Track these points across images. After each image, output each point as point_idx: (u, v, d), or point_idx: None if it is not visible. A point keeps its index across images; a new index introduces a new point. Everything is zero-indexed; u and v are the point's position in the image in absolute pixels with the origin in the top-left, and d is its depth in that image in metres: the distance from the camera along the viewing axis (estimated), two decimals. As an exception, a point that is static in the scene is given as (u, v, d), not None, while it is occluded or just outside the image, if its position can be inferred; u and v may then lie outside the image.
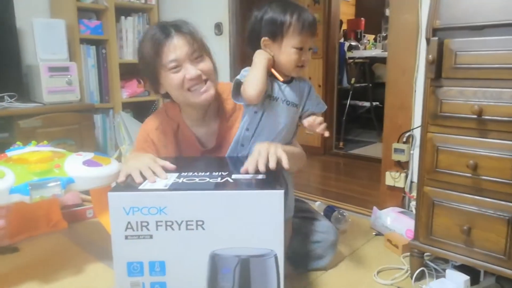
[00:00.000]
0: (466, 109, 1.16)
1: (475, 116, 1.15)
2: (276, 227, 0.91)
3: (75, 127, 2.31)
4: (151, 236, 0.91)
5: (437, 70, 1.20)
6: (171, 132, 1.33)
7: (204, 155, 1.34)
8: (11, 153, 1.40)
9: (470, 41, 1.15)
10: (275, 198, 0.90)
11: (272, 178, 0.99)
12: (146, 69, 1.26)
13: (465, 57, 1.16)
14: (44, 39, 2.30)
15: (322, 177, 2.81)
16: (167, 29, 1.22)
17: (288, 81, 1.19)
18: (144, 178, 0.98)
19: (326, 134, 1.15)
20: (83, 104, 2.45)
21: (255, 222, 0.91)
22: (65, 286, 1.34)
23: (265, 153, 1.03)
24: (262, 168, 0.99)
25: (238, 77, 1.16)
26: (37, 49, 2.29)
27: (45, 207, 1.74)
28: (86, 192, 1.90)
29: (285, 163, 1.02)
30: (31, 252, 1.58)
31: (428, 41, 1.21)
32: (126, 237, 0.90)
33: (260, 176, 1.01)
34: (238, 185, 0.95)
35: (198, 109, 1.30)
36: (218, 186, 0.93)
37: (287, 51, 1.13)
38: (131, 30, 2.72)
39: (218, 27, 2.55)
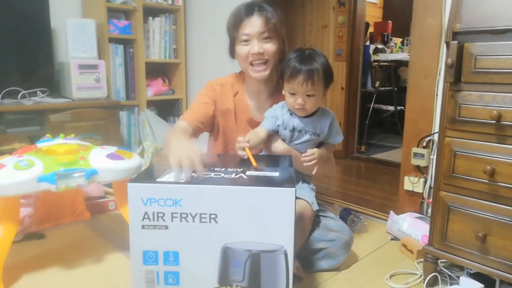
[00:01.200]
0: (485, 114, 1.15)
1: (493, 121, 1.13)
2: (287, 224, 0.93)
3: (102, 122, 2.40)
4: (166, 227, 0.95)
5: (457, 74, 1.19)
6: (231, 94, 1.49)
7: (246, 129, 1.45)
8: (41, 145, 1.48)
9: (491, 45, 1.14)
10: (286, 196, 0.92)
11: (285, 176, 1.02)
12: (228, 35, 1.45)
13: (485, 61, 1.15)
14: (76, 38, 2.40)
15: (342, 181, 2.80)
16: (251, 7, 1.39)
17: (311, 114, 1.33)
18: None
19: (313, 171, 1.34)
20: (110, 101, 2.54)
21: (267, 218, 0.93)
22: (86, 272, 1.41)
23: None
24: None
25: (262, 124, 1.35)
26: (69, 47, 2.39)
27: (70, 198, 1.82)
28: (109, 185, 1.99)
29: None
30: (56, 239, 1.66)
31: (447, 44, 1.20)
32: (143, 227, 0.95)
33: (274, 174, 1.03)
34: (251, 181, 0.98)
35: (257, 84, 1.46)
36: (232, 182, 0.96)
37: (285, 93, 1.31)
38: (158, 30, 2.80)
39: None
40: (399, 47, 4.21)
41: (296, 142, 1.35)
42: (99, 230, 1.77)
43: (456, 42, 1.18)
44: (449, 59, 1.18)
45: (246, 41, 1.38)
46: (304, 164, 1.31)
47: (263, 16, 1.37)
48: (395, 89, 3.75)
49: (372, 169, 3.04)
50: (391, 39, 4.19)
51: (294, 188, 0.92)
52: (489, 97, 1.15)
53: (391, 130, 3.94)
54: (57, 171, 1.29)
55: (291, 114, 1.34)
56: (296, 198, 1.32)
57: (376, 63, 3.74)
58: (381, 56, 3.74)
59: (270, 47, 1.38)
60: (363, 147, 3.35)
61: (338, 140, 1.39)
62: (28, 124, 2.22)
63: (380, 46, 3.89)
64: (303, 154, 1.32)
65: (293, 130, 1.33)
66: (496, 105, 1.14)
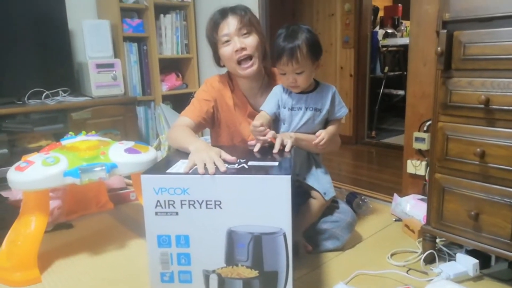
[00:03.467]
0: (474, 99, 1.20)
1: (482, 106, 1.19)
2: (285, 209, 1.02)
3: (120, 118, 2.54)
4: (177, 213, 1.05)
5: (447, 62, 1.25)
6: (229, 89, 1.55)
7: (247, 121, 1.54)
8: (65, 142, 1.61)
9: (479, 33, 1.19)
10: (282, 183, 1.01)
11: (283, 165, 1.11)
12: (210, 44, 1.52)
13: (474, 49, 1.20)
14: (92, 38, 2.53)
15: (352, 166, 2.87)
16: (225, 11, 1.46)
17: (311, 90, 1.37)
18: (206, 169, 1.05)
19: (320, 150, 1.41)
20: (127, 97, 2.67)
21: (266, 203, 1.02)
22: (111, 257, 1.54)
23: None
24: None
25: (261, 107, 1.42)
26: (86, 47, 2.53)
27: (94, 190, 1.97)
28: (129, 177, 2.12)
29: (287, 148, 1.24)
30: (83, 229, 1.81)
31: (438, 33, 1.26)
32: (156, 214, 1.06)
33: (273, 163, 1.13)
34: (251, 170, 1.07)
35: (249, 81, 1.52)
36: (233, 171, 1.06)
37: (278, 73, 1.37)
38: (170, 27, 2.89)
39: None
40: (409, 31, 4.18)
41: (300, 123, 1.38)
42: (121, 219, 1.91)
43: (446, 31, 1.23)
44: (438, 48, 1.24)
45: (227, 41, 1.43)
46: (314, 142, 1.36)
47: (237, 14, 1.43)
48: (405, 73, 3.74)
49: (382, 153, 3.09)
50: (401, 23, 4.16)
51: (290, 176, 1.01)
52: (478, 82, 1.20)
53: (401, 114, 3.93)
54: (80, 166, 1.41)
55: (290, 93, 1.38)
56: (311, 188, 1.43)
57: (385, 48, 3.74)
58: (390, 41, 3.73)
59: (250, 41, 1.43)
60: (373, 132, 3.39)
61: (343, 113, 1.43)
62: (52, 123, 2.37)
63: (390, 31, 3.88)
64: (313, 142, 1.36)
65: (292, 108, 1.37)
66: (485, 90, 1.19)
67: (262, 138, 1.27)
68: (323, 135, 1.37)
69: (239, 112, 1.55)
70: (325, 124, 1.44)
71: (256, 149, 1.26)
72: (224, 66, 1.53)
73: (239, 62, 1.44)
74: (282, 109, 1.39)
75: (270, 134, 1.26)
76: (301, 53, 1.27)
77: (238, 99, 1.55)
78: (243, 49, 1.42)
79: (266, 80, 1.56)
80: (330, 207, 1.52)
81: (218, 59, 1.53)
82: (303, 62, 1.29)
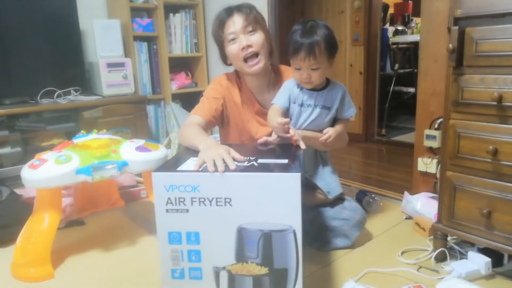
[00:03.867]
0: (487, 96, 1.19)
1: (495, 103, 1.17)
2: (294, 206, 1.03)
3: (131, 116, 2.56)
4: (187, 210, 1.06)
5: (459, 59, 1.23)
6: (237, 87, 1.56)
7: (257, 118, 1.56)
8: (77, 140, 1.62)
9: (491, 29, 1.17)
10: (292, 180, 1.01)
11: (293, 162, 1.11)
12: (216, 43, 1.53)
13: (486, 45, 1.18)
14: (103, 38, 2.56)
15: (362, 164, 2.85)
16: (230, 9, 1.47)
17: (322, 87, 1.38)
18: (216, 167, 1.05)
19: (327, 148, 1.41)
20: (137, 96, 2.69)
21: (276, 200, 1.03)
22: (123, 253, 1.56)
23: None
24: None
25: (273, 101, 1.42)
26: (97, 47, 2.55)
27: (106, 188, 1.99)
28: (140, 175, 2.14)
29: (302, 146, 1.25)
30: (95, 226, 1.83)
31: (449, 30, 1.24)
32: (167, 211, 1.07)
33: (283, 161, 1.13)
34: (261, 168, 1.07)
35: (256, 79, 1.53)
36: (243, 169, 1.07)
37: (292, 69, 1.36)
38: (179, 26, 2.91)
39: (259, 19, 2.66)
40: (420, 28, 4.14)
41: (308, 120, 1.39)
42: (132, 216, 1.94)
43: (457, 27, 1.22)
44: (450, 45, 1.23)
45: (233, 39, 1.44)
46: (321, 139, 1.36)
47: (243, 12, 1.44)
48: (415, 70, 3.70)
49: (392, 151, 3.06)
50: (411, 20, 4.12)
51: (299, 173, 1.01)
52: (491, 79, 1.19)
53: (412, 111, 3.89)
54: (92, 164, 1.43)
55: (301, 89, 1.38)
56: (316, 188, 1.43)
57: (395, 46, 3.70)
58: (400, 38, 3.70)
59: (256, 38, 1.43)
60: (383, 130, 3.37)
61: (351, 113, 1.43)
62: (64, 121, 2.41)
63: (400, 28, 3.85)
64: (320, 139, 1.37)
65: (302, 104, 1.38)
66: (497, 87, 1.18)
67: (285, 135, 1.27)
68: (330, 132, 1.37)
69: (247, 110, 1.56)
70: (333, 122, 1.44)
71: (274, 140, 1.29)
72: (230, 64, 1.54)
73: (246, 60, 1.45)
74: (292, 104, 1.40)
75: (292, 131, 1.26)
76: (319, 49, 1.27)
77: (246, 96, 1.56)
78: (249, 46, 1.43)
79: (273, 77, 1.57)
80: (340, 205, 1.52)
81: (224, 58, 1.54)
82: (320, 59, 1.28)
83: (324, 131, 1.38)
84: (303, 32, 1.28)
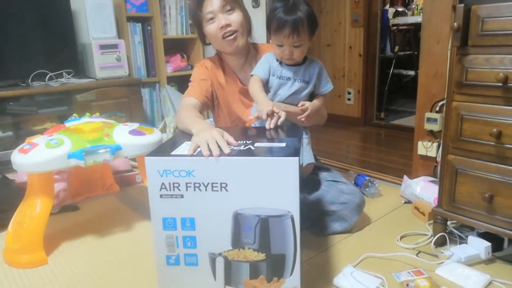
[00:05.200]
0: (492, 77, 1.15)
1: (500, 84, 1.14)
2: (292, 191, 0.99)
3: (125, 100, 2.51)
4: (182, 196, 1.03)
5: (463, 38, 1.19)
6: (220, 69, 1.56)
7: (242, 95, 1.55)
8: (69, 124, 1.59)
9: (498, 6, 1.13)
10: (290, 164, 0.98)
11: (291, 146, 1.07)
12: (194, 23, 1.53)
13: (493, 23, 1.14)
14: (95, 19, 2.48)
15: (360, 148, 2.83)
16: None
17: (299, 63, 1.37)
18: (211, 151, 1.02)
19: (304, 123, 1.36)
20: (131, 79, 2.63)
21: (273, 185, 0.99)
22: (117, 239, 1.54)
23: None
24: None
25: (253, 71, 1.39)
26: (89, 28, 2.48)
27: (100, 172, 1.96)
28: (135, 160, 2.11)
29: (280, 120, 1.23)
30: (89, 211, 1.80)
31: (454, 8, 1.19)
32: (161, 196, 1.03)
33: (280, 144, 1.09)
34: (258, 152, 1.04)
35: (236, 58, 1.53)
36: (240, 153, 1.03)
37: (273, 45, 1.33)
38: (174, 6, 2.83)
39: (255, 0, 2.59)
40: (420, 9, 4.06)
41: (287, 93, 1.37)
42: (127, 201, 1.91)
43: (463, 5, 1.17)
44: (455, 23, 1.18)
45: (211, 19, 1.44)
46: (299, 117, 1.34)
47: None
48: (416, 53, 3.65)
49: (391, 135, 3.04)
50: (412, 1, 4.04)
51: (298, 157, 0.97)
52: (496, 59, 1.15)
53: (412, 95, 3.85)
54: (85, 148, 1.39)
55: (280, 63, 1.37)
56: None
57: (395, 27, 3.63)
58: (400, 20, 3.63)
59: (235, 17, 1.44)
60: (382, 114, 3.33)
61: (328, 89, 1.42)
62: (56, 105, 2.35)
63: (400, 9, 3.77)
64: (298, 109, 1.33)
65: (281, 77, 1.37)
66: (503, 68, 1.14)
67: (265, 117, 1.23)
68: (307, 105, 1.34)
69: (231, 90, 1.56)
70: (311, 98, 1.42)
71: (271, 126, 1.24)
72: (209, 43, 1.54)
73: (224, 38, 1.45)
74: (271, 76, 1.38)
75: (283, 116, 1.22)
76: (303, 27, 1.26)
77: (229, 77, 1.56)
78: (228, 25, 1.43)
79: (253, 55, 1.57)
80: (339, 189, 1.49)
81: (203, 37, 1.53)
82: (302, 36, 1.28)
83: (301, 103, 1.35)
84: (286, 9, 1.26)
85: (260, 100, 1.29)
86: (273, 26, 1.28)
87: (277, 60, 1.37)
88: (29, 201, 1.40)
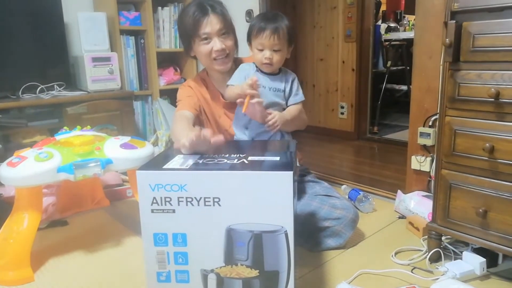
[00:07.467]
0: (484, 93, 1.16)
1: (492, 99, 1.14)
2: (286, 205, 0.98)
3: (117, 113, 2.48)
4: (173, 211, 1.01)
5: (455, 54, 1.20)
6: (204, 86, 1.61)
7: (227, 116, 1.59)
8: (59, 137, 1.56)
9: (489, 23, 1.14)
10: (284, 179, 0.96)
11: (284, 160, 1.06)
12: (183, 35, 1.56)
13: (484, 40, 1.15)
14: (88, 31, 2.47)
15: (353, 162, 2.82)
16: (204, 7, 1.48)
17: (276, 73, 1.43)
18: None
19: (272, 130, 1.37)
20: (124, 92, 2.61)
21: (267, 200, 0.98)
22: (107, 255, 1.50)
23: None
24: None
25: (229, 82, 1.44)
26: (82, 41, 2.46)
27: (90, 186, 1.92)
28: (126, 174, 2.08)
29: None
30: (78, 226, 1.77)
31: (446, 24, 1.21)
32: (152, 211, 1.01)
33: (274, 158, 1.08)
34: (251, 166, 1.02)
35: (221, 76, 1.57)
36: (233, 167, 1.01)
37: (254, 51, 1.39)
38: (168, 20, 2.84)
39: (249, 14, 2.61)
40: (412, 25, 4.13)
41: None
42: (117, 216, 1.87)
43: (454, 21, 1.18)
44: (447, 39, 1.19)
45: (206, 39, 1.47)
46: (266, 126, 1.35)
47: (219, 14, 1.48)
48: (408, 68, 3.69)
49: (384, 149, 3.04)
50: (404, 17, 4.11)
51: (292, 172, 0.96)
52: (488, 75, 1.16)
53: (404, 109, 3.89)
54: (74, 161, 1.37)
55: (256, 72, 1.41)
56: None
57: (387, 43, 3.68)
58: (392, 35, 3.68)
59: (229, 42, 1.50)
60: (375, 128, 3.35)
61: (299, 99, 1.45)
62: (47, 117, 2.32)
63: (392, 25, 3.83)
64: (266, 119, 1.35)
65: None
66: (495, 83, 1.14)
67: (252, 92, 1.26)
68: (274, 114, 1.36)
69: (216, 105, 1.60)
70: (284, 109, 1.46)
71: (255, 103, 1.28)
72: (194, 56, 1.58)
73: (215, 59, 1.50)
74: None
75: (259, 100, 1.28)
76: (283, 32, 1.34)
77: (212, 93, 1.60)
78: (223, 50, 1.48)
79: (234, 69, 1.57)
80: (332, 204, 1.48)
81: (189, 50, 1.56)
82: (282, 41, 1.34)
83: (271, 113, 1.36)
84: (267, 18, 1.35)
85: (235, 87, 1.36)
86: (254, 31, 1.35)
87: (253, 69, 1.42)
88: (16, 216, 1.37)
